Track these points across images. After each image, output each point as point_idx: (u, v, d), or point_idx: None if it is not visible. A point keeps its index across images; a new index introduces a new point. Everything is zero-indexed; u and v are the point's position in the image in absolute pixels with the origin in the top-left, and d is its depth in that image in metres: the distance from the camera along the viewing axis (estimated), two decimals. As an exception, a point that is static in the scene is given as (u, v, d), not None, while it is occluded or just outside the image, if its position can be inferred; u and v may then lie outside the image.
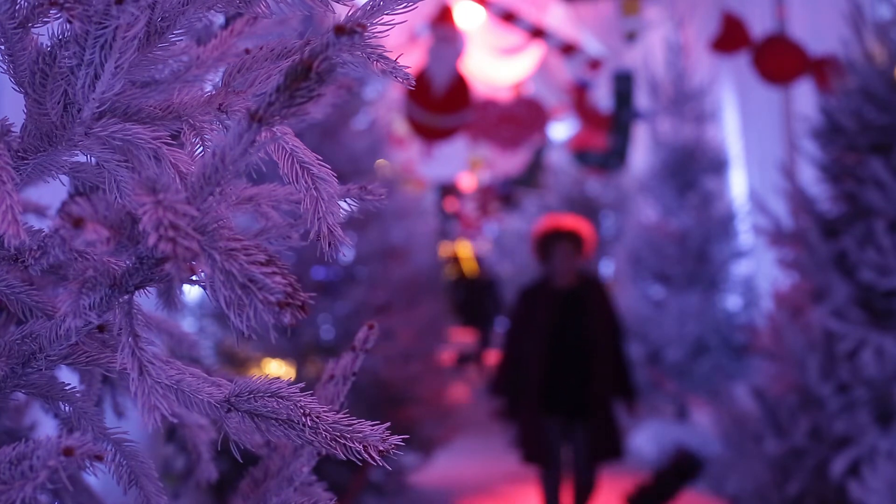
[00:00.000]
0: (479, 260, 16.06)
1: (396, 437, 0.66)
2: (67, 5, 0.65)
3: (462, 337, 13.15)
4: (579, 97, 8.24)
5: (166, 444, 3.14)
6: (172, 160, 0.70)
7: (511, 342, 4.50)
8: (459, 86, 6.67)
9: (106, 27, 0.66)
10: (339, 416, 0.67)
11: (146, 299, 0.70)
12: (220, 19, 0.99)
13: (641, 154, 8.47)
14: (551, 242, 4.38)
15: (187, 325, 4.55)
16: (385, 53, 0.71)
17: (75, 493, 0.93)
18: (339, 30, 0.57)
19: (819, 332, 3.48)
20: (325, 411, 0.67)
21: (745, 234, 6.96)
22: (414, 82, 0.75)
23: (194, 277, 0.58)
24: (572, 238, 4.39)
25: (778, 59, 5.43)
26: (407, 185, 10.37)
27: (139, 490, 0.76)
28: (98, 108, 0.71)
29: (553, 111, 9.80)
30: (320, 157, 0.73)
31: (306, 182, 0.71)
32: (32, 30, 0.70)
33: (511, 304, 4.39)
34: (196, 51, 0.87)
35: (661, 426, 7.01)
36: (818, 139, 3.71)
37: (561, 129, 12.06)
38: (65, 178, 0.81)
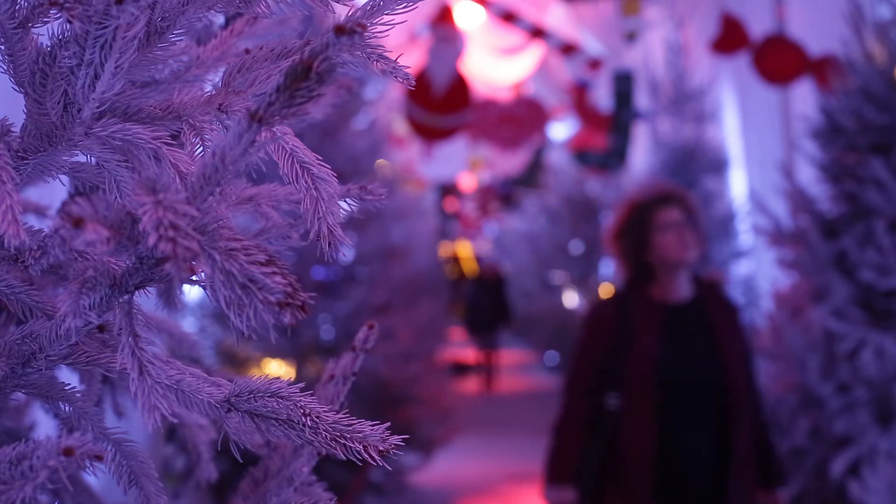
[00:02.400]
0: (486, 258, 15.76)
1: (396, 437, 0.66)
2: (67, 5, 0.65)
3: (461, 343, 12.71)
4: (579, 97, 8.25)
5: (166, 444, 3.14)
6: (172, 160, 0.70)
7: (582, 391, 2.72)
8: (459, 86, 6.67)
9: (106, 27, 0.66)
10: (339, 416, 0.67)
11: (146, 299, 0.70)
12: (220, 19, 0.99)
13: (641, 154, 8.47)
14: (653, 219, 2.70)
15: (187, 325, 4.55)
16: (385, 53, 0.71)
17: (75, 493, 0.93)
18: (339, 30, 0.57)
19: (819, 332, 3.48)
20: (325, 411, 0.67)
21: (745, 234, 6.96)
22: (414, 82, 0.75)
23: (194, 277, 0.58)
24: (684, 204, 2.74)
25: (778, 59, 5.43)
26: (407, 185, 10.38)
27: (139, 490, 0.76)
28: (98, 108, 0.71)
29: (553, 111, 9.80)
30: (320, 157, 0.73)
31: (306, 182, 0.71)
32: (32, 30, 0.70)
33: (582, 327, 2.82)
34: (196, 51, 0.87)
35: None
36: (818, 139, 3.70)
37: (561, 129, 12.06)
38: (65, 178, 0.81)
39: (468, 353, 12.08)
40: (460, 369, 11.27)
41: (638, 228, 2.72)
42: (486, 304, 11.54)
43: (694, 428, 2.60)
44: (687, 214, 2.71)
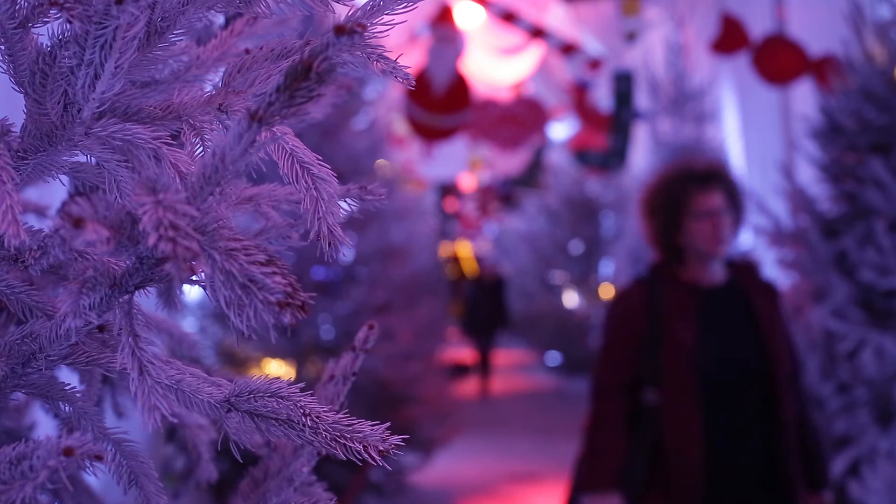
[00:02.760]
0: (485, 259, 15.63)
1: (396, 437, 0.66)
2: (67, 5, 0.65)
3: (459, 344, 12.53)
4: (579, 97, 8.25)
5: (166, 444, 3.14)
6: (172, 160, 0.70)
7: (613, 388, 2.46)
8: (459, 86, 6.67)
9: (106, 27, 0.66)
10: (339, 416, 0.67)
11: (146, 299, 0.70)
12: (220, 19, 0.99)
13: (641, 154, 8.48)
14: (688, 203, 2.42)
15: (187, 325, 4.55)
16: (385, 53, 0.71)
17: (75, 493, 0.93)
18: (339, 30, 0.57)
19: (819, 332, 3.48)
20: (325, 411, 0.67)
21: (745, 234, 6.96)
22: (414, 82, 0.75)
23: (194, 277, 0.58)
24: (726, 185, 2.46)
25: (778, 60, 5.43)
26: (407, 185, 10.38)
27: (139, 490, 0.76)
28: (98, 108, 0.71)
29: (553, 111, 9.81)
30: (320, 157, 0.73)
31: (306, 182, 0.71)
32: (32, 30, 0.70)
33: (607, 318, 2.58)
34: (196, 51, 0.87)
35: (661, 426, 6.99)
36: (818, 139, 3.71)
37: (561, 129, 12.07)
38: (65, 178, 0.81)
39: (466, 354, 11.98)
40: (459, 370, 11.12)
41: (671, 210, 2.45)
42: (484, 305, 11.39)
43: (739, 422, 2.36)
44: (728, 197, 2.43)
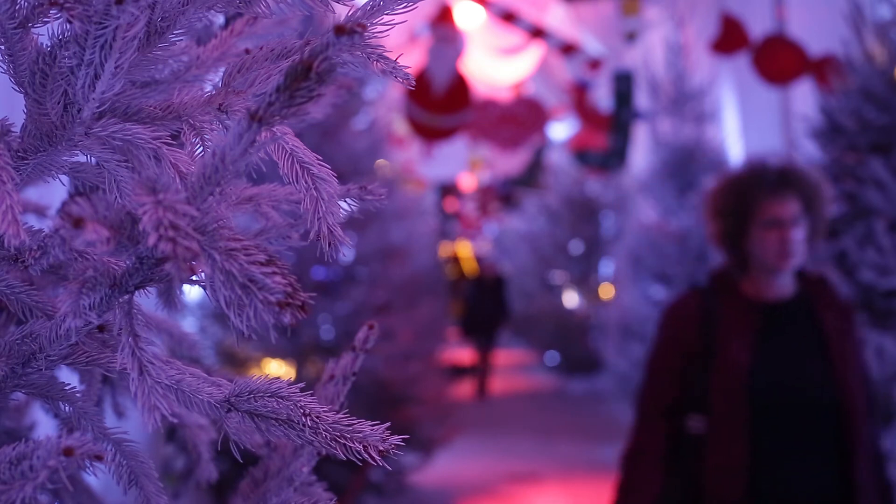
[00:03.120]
0: (485, 258, 15.52)
1: (396, 437, 0.66)
2: (67, 5, 0.65)
3: (458, 345, 12.38)
4: (579, 97, 8.26)
5: (166, 444, 3.13)
6: (172, 160, 0.70)
7: (658, 412, 2.22)
8: (459, 86, 6.67)
9: (106, 27, 0.66)
10: (339, 416, 0.67)
11: (146, 299, 0.70)
12: (220, 19, 0.99)
13: (641, 154, 8.48)
14: (757, 209, 2.17)
15: (187, 325, 4.55)
16: (385, 53, 0.71)
17: (75, 493, 0.93)
18: (339, 30, 0.57)
19: (819, 332, 3.47)
20: (325, 411, 0.67)
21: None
22: (414, 82, 0.75)
23: (194, 277, 0.58)
24: (802, 191, 2.18)
25: (778, 60, 5.43)
26: (407, 185, 10.38)
27: (139, 490, 0.76)
28: (98, 108, 0.71)
29: (553, 111, 9.81)
30: (320, 157, 0.73)
31: (306, 182, 0.71)
32: (32, 30, 0.70)
33: (658, 329, 2.34)
34: (196, 51, 0.87)
35: (661, 426, 7.00)
36: (818, 139, 3.71)
37: (561, 129, 12.07)
38: (65, 178, 0.81)
39: (465, 355, 11.86)
40: (458, 372, 10.98)
41: (737, 214, 2.20)
42: (484, 304, 11.21)
43: (796, 463, 2.06)
44: (804, 205, 2.15)
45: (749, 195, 2.20)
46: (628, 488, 2.21)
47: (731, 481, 2.06)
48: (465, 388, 10.57)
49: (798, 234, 2.14)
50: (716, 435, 2.11)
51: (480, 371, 10.82)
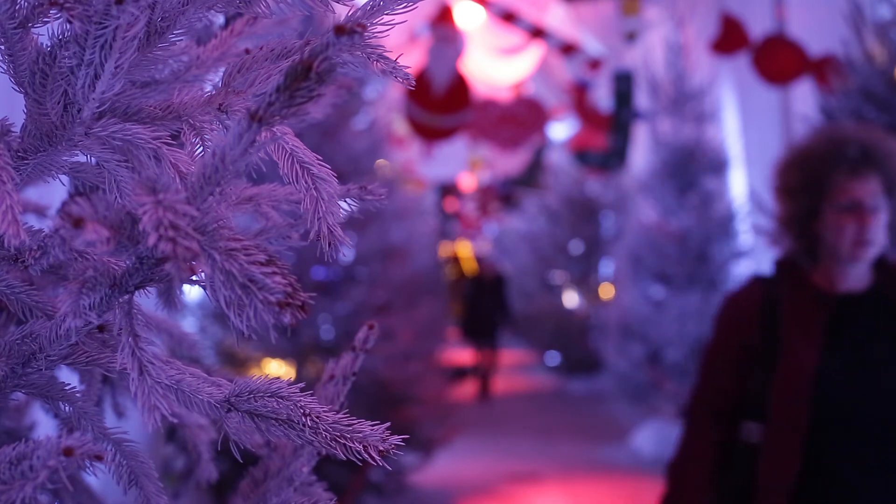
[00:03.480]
0: (485, 258, 15.36)
1: (396, 437, 0.66)
2: (67, 5, 0.65)
3: (458, 346, 12.23)
4: (579, 97, 8.26)
5: (166, 444, 3.14)
6: (172, 160, 0.70)
7: (711, 415, 1.99)
8: (459, 86, 6.68)
9: (106, 27, 0.66)
10: (339, 416, 0.67)
11: (146, 299, 0.70)
12: (220, 19, 0.99)
13: (641, 154, 8.48)
14: (833, 189, 1.89)
15: (187, 325, 4.55)
16: (385, 53, 0.71)
17: (75, 493, 0.93)
18: (339, 30, 0.57)
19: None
20: (325, 411, 0.67)
21: (745, 234, 6.96)
22: (414, 82, 0.75)
23: (194, 277, 0.58)
24: (884, 171, 1.89)
25: (778, 59, 5.43)
26: (407, 185, 10.38)
27: (139, 490, 0.76)
28: (98, 108, 0.71)
29: (553, 111, 9.82)
30: (320, 157, 0.73)
31: (306, 182, 0.71)
32: (32, 30, 0.70)
33: (714, 322, 2.08)
34: (196, 51, 0.87)
35: (661, 426, 7.01)
36: (818, 139, 3.70)
37: (561, 129, 12.07)
38: (65, 178, 0.81)
39: (465, 356, 11.71)
40: (459, 373, 10.79)
41: (811, 192, 1.91)
42: (484, 304, 11.02)
43: (860, 480, 1.81)
44: (886, 186, 1.87)
45: (824, 172, 1.89)
46: (674, 500, 2.00)
47: (780, 494, 1.82)
48: (467, 389, 10.55)
49: (878, 220, 1.87)
50: (770, 446, 1.84)
51: (483, 372, 10.69)
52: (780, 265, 2.02)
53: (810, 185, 1.92)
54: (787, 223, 1.99)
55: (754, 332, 1.94)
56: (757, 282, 2.03)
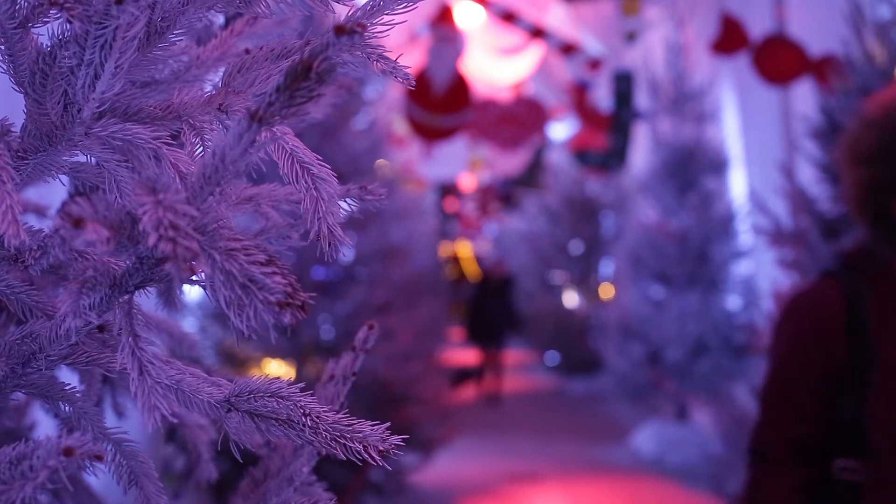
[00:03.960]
0: (490, 257, 15.10)
1: (396, 437, 0.66)
2: (67, 5, 0.65)
3: (461, 347, 11.93)
4: (579, 97, 8.26)
5: (166, 444, 3.13)
6: (172, 160, 0.70)
7: (782, 455, 1.57)
8: (459, 86, 6.68)
9: (106, 27, 0.66)
10: (339, 416, 0.67)
11: (146, 299, 0.70)
12: (220, 19, 0.99)
13: (641, 154, 8.48)
14: None
15: (187, 325, 4.55)
16: (385, 53, 0.71)
17: (75, 493, 0.93)
18: (339, 30, 0.57)
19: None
20: (325, 411, 0.67)
21: (745, 234, 6.96)
22: (414, 82, 0.75)
23: (194, 277, 0.58)
24: None
25: (778, 60, 5.43)
26: (407, 185, 10.38)
27: (139, 490, 0.76)
28: (98, 108, 0.71)
29: (553, 111, 9.82)
30: (320, 157, 0.73)
31: (306, 182, 0.71)
32: (32, 30, 0.70)
33: (777, 332, 1.63)
34: (196, 51, 0.87)
35: (661, 426, 7.02)
36: (818, 139, 3.70)
37: (561, 129, 12.08)
38: (65, 178, 0.81)
39: (469, 358, 11.26)
40: (463, 376, 10.19)
41: (890, 162, 1.52)
42: (490, 307, 10.49)
43: None
44: None
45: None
46: None
47: None
48: (470, 392, 10.52)
49: None
50: (877, 483, 1.48)
51: (492, 374, 10.35)
52: (853, 258, 1.62)
53: (891, 152, 1.53)
54: (861, 203, 1.59)
55: (839, 342, 1.53)
56: (830, 280, 1.59)
